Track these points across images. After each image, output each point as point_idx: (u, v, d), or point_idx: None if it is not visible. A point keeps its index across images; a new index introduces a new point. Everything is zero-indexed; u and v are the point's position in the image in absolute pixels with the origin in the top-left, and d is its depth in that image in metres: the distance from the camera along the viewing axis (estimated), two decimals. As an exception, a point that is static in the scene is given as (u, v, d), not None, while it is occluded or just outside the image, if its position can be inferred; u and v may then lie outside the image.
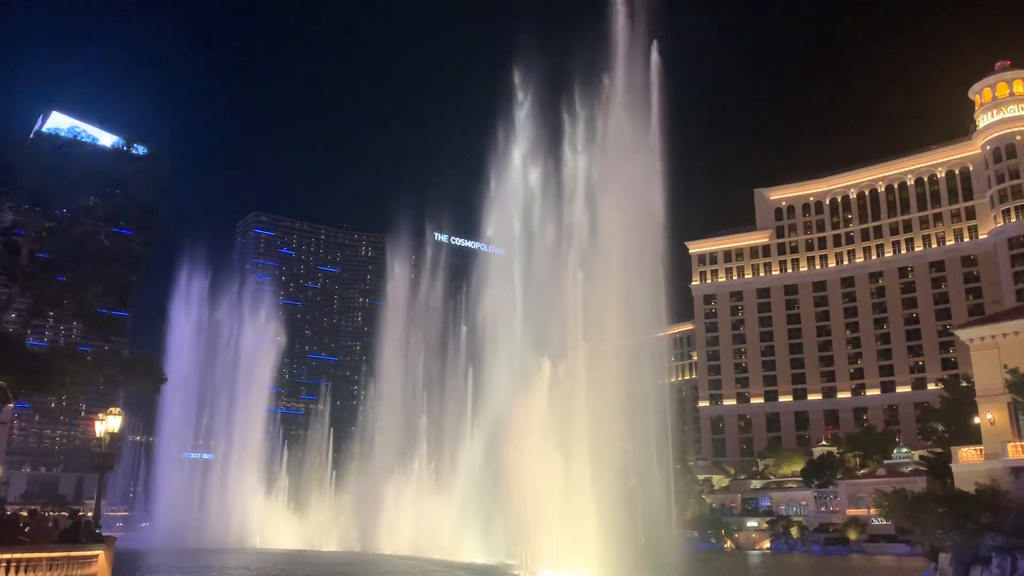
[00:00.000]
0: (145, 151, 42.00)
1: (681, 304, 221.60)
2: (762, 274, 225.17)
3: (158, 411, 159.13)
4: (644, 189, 78.43)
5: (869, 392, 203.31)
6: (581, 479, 70.04)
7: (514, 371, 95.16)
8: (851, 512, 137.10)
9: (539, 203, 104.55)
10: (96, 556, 32.39)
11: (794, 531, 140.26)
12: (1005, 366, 64.27)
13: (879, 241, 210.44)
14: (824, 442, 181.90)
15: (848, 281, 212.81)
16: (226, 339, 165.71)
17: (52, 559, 28.76)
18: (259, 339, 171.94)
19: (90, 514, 39.09)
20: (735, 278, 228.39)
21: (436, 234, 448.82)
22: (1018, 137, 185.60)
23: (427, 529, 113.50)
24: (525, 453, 75.10)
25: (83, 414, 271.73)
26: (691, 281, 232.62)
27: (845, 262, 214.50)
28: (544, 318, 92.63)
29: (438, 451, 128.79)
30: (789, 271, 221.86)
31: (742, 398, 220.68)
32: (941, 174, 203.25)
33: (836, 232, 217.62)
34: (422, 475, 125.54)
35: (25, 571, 27.28)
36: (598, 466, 70.58)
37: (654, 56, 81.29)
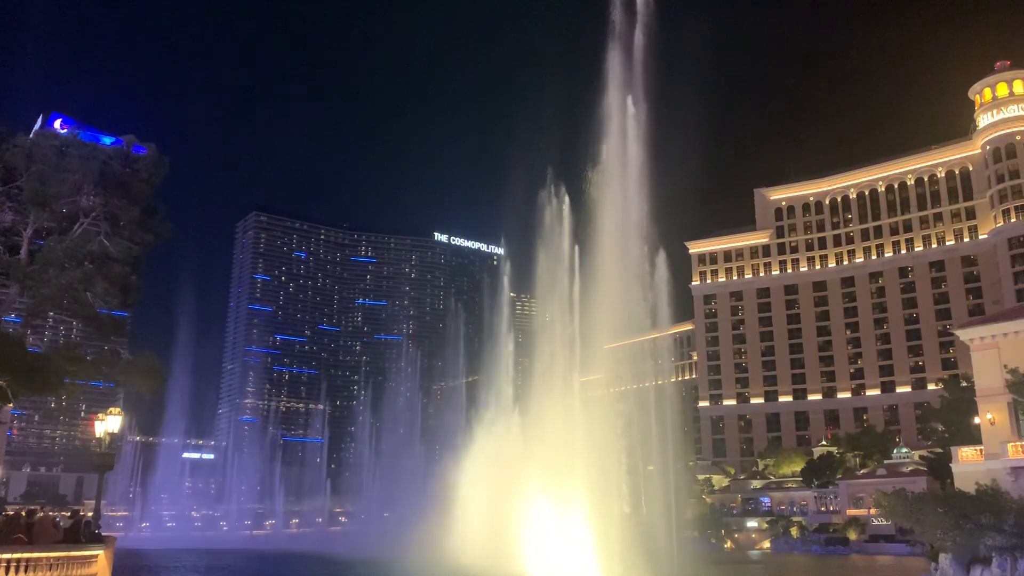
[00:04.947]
0: (145, 151, 41.98)
1: (681, 304, 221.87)
2: (762, 274, 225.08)
3: (157, 412, 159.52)
4: (638, 191, 78.50)
5: (869, 392, 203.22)
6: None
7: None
8: (851, 512, 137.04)
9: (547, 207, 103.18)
10: (96, 556, 32.40)
11: (794, 531, 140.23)
12: (1005, 366, 64.16)
13: (879, 241, 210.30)
14: (824, 442, 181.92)
15: (848, 281, 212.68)
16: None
17: (52, 559, 28.79)
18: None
19: (90, 514, 39.06)
20: (735, 278, 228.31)
21: (436, 234, 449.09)
22: (1018, 137, 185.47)
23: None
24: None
25: (83, 414, 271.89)
26: (691, 281, 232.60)
27: (845, 262, 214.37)
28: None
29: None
30: (789, 271, 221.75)
31: (742, 398, 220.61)
32: (941, 174, 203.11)
33: (836, 232, 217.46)
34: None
35: (25, 571, 27.32)
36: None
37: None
